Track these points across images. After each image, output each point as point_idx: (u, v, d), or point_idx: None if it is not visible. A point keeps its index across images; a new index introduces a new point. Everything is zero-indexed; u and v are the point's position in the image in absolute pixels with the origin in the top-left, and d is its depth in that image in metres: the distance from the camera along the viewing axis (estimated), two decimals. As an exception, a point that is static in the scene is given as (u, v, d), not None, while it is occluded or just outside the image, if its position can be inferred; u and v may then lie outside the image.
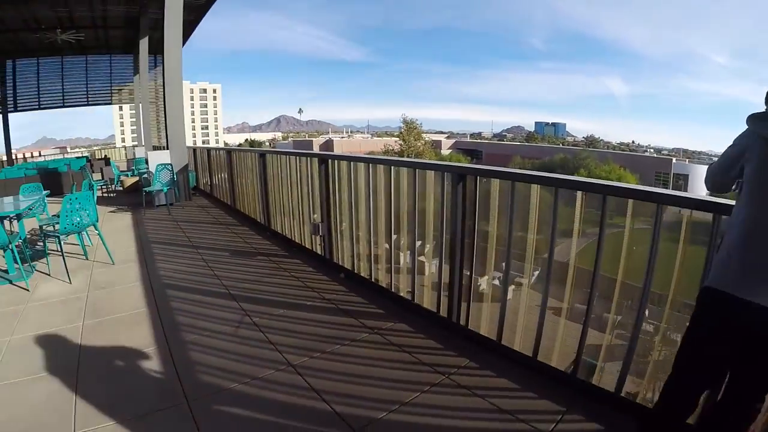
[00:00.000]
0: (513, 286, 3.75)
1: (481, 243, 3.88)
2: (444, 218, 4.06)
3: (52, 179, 15.76)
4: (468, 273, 3.94)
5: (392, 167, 4.73)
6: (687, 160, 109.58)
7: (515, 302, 3.71)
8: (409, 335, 4.00)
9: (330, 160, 5.77)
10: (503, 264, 3.64)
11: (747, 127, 2.24)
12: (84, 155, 31.71)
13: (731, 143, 2.31)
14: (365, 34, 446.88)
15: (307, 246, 6.47)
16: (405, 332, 4.04)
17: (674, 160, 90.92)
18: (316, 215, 6.11)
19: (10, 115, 27.15)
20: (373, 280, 5.08)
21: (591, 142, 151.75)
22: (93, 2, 19.06)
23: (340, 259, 5.73)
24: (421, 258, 4.62)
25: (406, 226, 4.70)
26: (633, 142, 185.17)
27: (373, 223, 5.03)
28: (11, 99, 26.86)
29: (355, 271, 5.38)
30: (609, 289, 3.26)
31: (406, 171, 4.57)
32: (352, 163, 5.36)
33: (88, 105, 29.54)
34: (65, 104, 28.74)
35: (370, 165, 5.01)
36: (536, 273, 3.74)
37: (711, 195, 2.58)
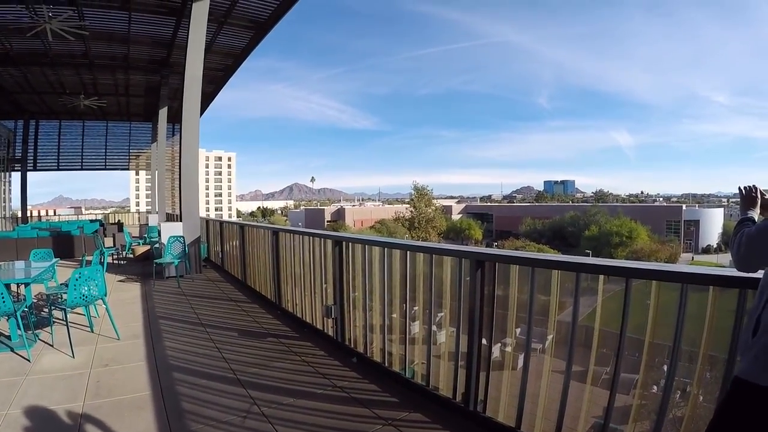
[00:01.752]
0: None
1: (499, 318, 3.78)
2: (461, 305, 3.96)
3: (64, 242, 15.83)
4: (485, 342, 3.81)
5: (408, 251, 4.65)
6: (697, 204, 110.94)
7: (535, 376, 3.52)
8: (425, 426, 3.81)
9: (344, 242, 5.68)
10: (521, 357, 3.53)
11: None
12: (98, 218, 31.94)
13: None
14: (377, 102, 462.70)
15: (318, 327, 6.30)
16: (420, 423, 3.85)
17: (684, 207, 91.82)
18: (328, 297, 5.97)
19: (29, 173, 27.67)
20: (386, 364, 4.89)
21: (600, 196, 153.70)
22: (116, 71, 19.65)
23: (353, 342, 5.55)
24: (438, 341, 4.50)
25: (422, 313, 4.57)
26: (642, 192, 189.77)
27: (387, 307, 4.90)
28: (31, 158, 27.46)
29: (368, 356, 5.21)
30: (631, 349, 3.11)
31: (422, 256, 4.51)
32: (366, 246, 5.28)
33: (105, 169, 30.16)
34: (83, 167, 29.32)
35: (386, 249, 4.94)
36: (550, 337, 3.61)
37: (738, 268, 2.26)
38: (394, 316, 4.92)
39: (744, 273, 2.26)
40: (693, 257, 75.51)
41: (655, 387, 3.18)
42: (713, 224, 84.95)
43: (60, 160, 28.42)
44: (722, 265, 64.81)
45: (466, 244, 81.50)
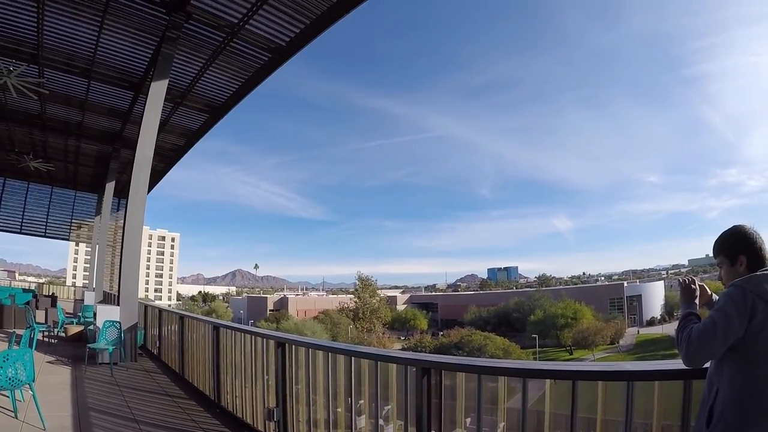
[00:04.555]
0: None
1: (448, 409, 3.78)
2: (407, 397, 3.93)
3: None
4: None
5: (353, 357, 4.65)
6: (638, 280, 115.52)
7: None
8: None
9: (287, 344, 5.63)
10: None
11: (741, 288, 2.24)
12: (32, 288, 30.60)
13: (723, 306, 2.25)
14: (324, 192, 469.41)
15: (259, 429, 6.06)
16: None
17: (626, 284, 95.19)
18: (270, 396, 5.81)
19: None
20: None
21: (544, 281, 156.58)
22: (69, 136, 19.78)
23: (295, 447, 5.36)
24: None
25: (367, 406, 4.52)
26: (584, 273, 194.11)
27: (332, 401, 4.82)
28: (-32, 213, 26.33)
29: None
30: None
31: (367, 362, 4.49)
32: (310, 350, 5.25)
33: (45, 236, 29.24)
34: (22, 231, 28.36)
35: (330, 353, 4.93)
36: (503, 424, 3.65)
37: (687, 364, 2.36)
38: (339, 410, 4.83)
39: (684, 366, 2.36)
40: (638, 330, 79.33)
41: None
42: (655, 297, 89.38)
43: (-2, 220, 27.50)
44: (667, 334, 67.46)
45: (412, 335, 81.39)
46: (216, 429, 6.42)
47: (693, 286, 2.65)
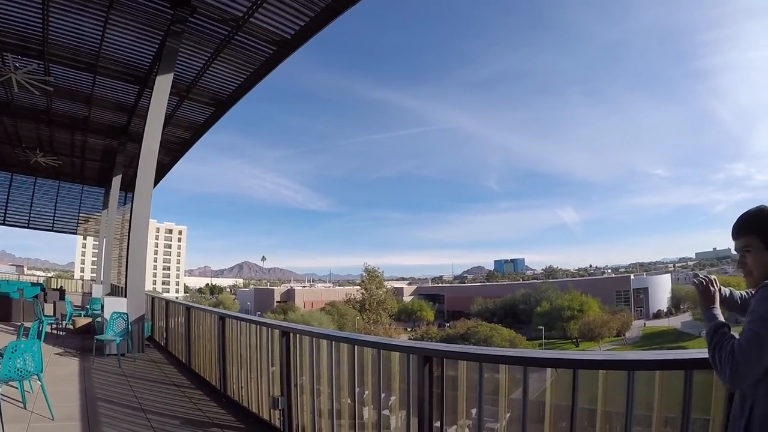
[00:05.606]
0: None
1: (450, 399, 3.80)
2: (410, 387, 3.95)
3: (1, 304, 15.50)
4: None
5: (356, 346, 4.68)
6: (644, 273, 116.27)
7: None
8: None
9: (291, 334, 5.66)
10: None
11: None
12: (40, 282, 30.78)
13: (764, 314, 1.85)
14: (330, 184, 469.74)
15: (264, 417, 6.11)
16: None
17: (632, 276, 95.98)
18: (275, 386, 5.87)
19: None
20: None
21: (550, 273, 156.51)
22: (75, 131, 19.84)
23: (300, 432, 5.42)
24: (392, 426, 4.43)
25: (371, 397, 4.54)
26: (590, 266, 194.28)
27: (336, 391, 4.87)
28: (-24, 208, 26.45)
29: (318, 447, 5.05)
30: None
31: (370, 351, 4.54)
32: (314, 339, 5.29)
33: (53, 231, 29.41)
34: (30, 225, 28.56)
35: (333, 342, 4.98)
36: (508, 415, 3.62)
37: (733, 387, 2.06)
38: (344, 400, 4.87)
39: (685, 355, 2.37)
40: (645, 323, 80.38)
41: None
42: (661, 290, 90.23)
43: (6, 215, 27.66)
44: (674, 327, 67.57)
45: (418, 326, 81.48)
46: (222, 418, 6.48)
47: (712, 287, 2.26)
